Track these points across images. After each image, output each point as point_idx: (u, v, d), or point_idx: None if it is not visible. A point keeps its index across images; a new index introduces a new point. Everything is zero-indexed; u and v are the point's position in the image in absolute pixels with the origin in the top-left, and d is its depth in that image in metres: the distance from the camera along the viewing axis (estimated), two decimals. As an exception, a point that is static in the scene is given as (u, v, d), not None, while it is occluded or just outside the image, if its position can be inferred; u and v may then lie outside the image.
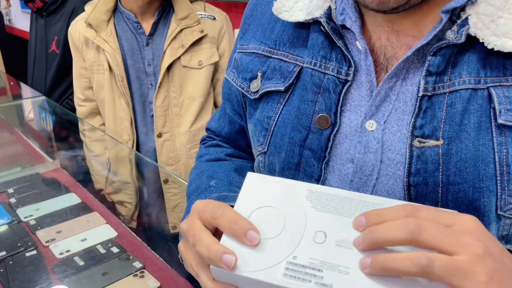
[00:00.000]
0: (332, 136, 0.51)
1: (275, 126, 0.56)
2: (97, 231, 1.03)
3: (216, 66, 1.49)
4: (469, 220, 0.37)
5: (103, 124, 1.59)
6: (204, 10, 1.47)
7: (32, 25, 2.15)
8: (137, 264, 0.90)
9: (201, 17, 1.44)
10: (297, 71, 0.55)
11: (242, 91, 0.61)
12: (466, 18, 0.45)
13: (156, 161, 1.49)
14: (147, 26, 1.43)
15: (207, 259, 0.44)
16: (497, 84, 0.45)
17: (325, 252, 0.42)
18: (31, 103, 2.15)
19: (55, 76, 2.05)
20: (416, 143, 0.46)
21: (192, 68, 1.43)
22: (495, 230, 0.46)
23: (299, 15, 0.55)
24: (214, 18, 1.47)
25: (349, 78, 0.51)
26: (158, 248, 0.97)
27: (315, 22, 0.54)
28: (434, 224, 0.36)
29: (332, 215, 0.44)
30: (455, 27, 0.46)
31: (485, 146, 0.44)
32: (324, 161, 0.52)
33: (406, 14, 0.49)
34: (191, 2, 1.44)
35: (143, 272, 0.88)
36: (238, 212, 0.46)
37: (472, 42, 0.46)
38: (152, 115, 1.46)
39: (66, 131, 1.82)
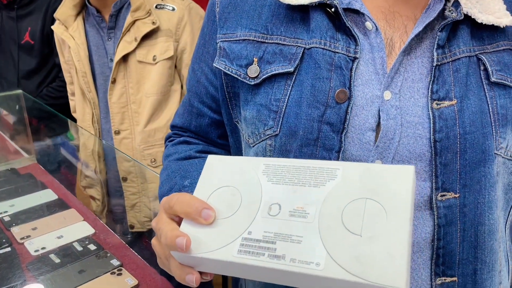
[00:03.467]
0: (349, 109, 0.55)
1: (286, 107, 0.58)
2: (73, 228, 1.02)
3: (179, 62, 1.43)
4: None
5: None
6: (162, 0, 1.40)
7: None
8: (115, 262, 0.89)
9: (159, 8, 1.37)
10: (300, 53, 0.58)
11: (239, 78, 0.62)
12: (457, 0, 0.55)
13: (115, 158, 1.47)
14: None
15: (166, 247, 0.47)
16: (482, 51, 0.56)
17: (279, 224, 0.43)
18: (7, 97, 2.10)
19: (31, 67, 2.04)
20: (434, 105, 0.54)
21: (148, 64, 1.37)
22: (495, 167, 0.55)
23: None
24: (173, 9, 1.39)
25: (357, 55, 0.56)
26: (136, 246, 0.96)
27: (317, 5, 0.58)
28: None
29: (287, 186, 0.46)
30: (451, 7, 0.56)
31: (482, 100, 0.55)
32: (343, 133, 0.55)
33: None
34: None
35: (120, 270, 0.87)
36: (193, 196, 0.48)
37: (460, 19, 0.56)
38: None
39: (42, 126, 1.78)
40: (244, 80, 0.61)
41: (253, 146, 0.62)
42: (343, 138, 0.55)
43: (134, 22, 1.34)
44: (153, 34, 1.35)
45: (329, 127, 0.56)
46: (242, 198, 0.47)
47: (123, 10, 1.38)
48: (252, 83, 0.60)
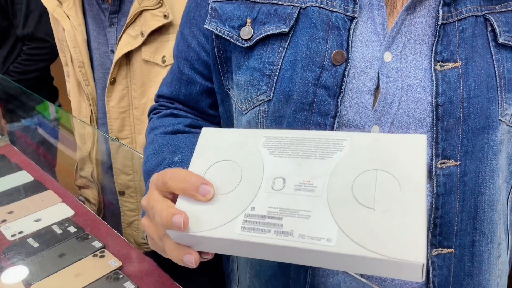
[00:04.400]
0: (347, 72, 0.53)
1: (280, 71, 0.55)
2: (52, 210, 0.98)
3: None
4: None
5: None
6: None
7: None
8: (97, 244, 0.86)
9: None
10: (296, 12, 0.55)
11: (231, 40, 0.59)
12: None
13: (111, 167, 1.27)
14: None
15: (161, 225, 0.44)
16: (490, 11, 0.53)
17: (284, 199, 0.41)
18: (-25, 76, 2.02)
19: None
20: (438, 67, 0.52)
21: (156, 64, 1.14)
22: (499, 134, 0.53)
23: None
24: None
25: (356, 15, 0.53)
26: (118, 227, 0.94)
27: None
28: None
29: (290, 159, 0.43)
30: None
31: (488, 63, 0.52)
32: (340, 97, 0.53)
33: None
34: None
35: (103, 251, 0.84)
36: (189, 171, 0.45)
37: None
38: None
39: (14, 105, 1.71)
40: (237, 43, 0.58)
41: (246, 113, 0.59)
42: (339, 102, 0.53)
43: (141, 12, 1.09)
44: (164, 30, 1.11)
45: (324, 91, 0.53)
46: (242, 172, 0.44)
47: None
48: (245, 45, 0.57)
